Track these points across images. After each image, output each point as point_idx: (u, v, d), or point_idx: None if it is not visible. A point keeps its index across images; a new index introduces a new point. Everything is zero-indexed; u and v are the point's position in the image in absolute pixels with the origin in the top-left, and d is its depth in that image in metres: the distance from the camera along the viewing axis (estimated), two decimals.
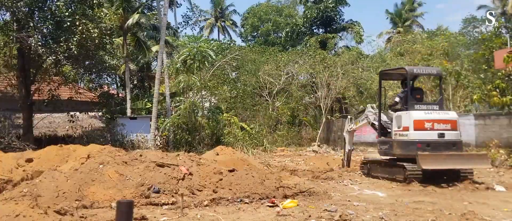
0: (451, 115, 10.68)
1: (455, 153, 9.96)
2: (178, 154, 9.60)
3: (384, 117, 11.49)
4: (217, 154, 11.31)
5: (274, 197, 7.70)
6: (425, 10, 69.33)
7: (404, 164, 9.92)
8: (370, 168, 11.56)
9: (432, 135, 9.99)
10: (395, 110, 10.97)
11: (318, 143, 23.48)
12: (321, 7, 36.03)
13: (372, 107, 12.07)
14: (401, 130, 10.32)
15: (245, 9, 76.18)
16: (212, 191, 7.93)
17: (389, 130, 11.08)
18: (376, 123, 11.53)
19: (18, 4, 15.66)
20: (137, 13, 25.77)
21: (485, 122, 17.74)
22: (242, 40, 48.17)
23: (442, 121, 10.16)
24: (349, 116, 14.01)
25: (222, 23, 50.42)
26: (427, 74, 12.96)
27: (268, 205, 7.27)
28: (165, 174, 8.13)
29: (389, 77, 13.65)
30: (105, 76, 27.31)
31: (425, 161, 9.57)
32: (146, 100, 27.57)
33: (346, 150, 13.12)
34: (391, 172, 10.57)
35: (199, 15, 47.63)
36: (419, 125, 10.00)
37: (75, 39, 16.50)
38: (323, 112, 24.71)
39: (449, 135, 10.13)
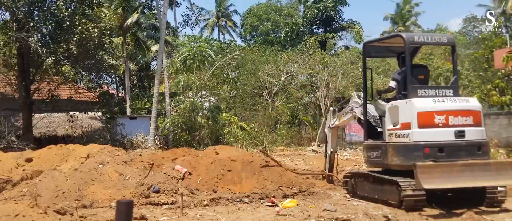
0: (472, 103, 7.20)
1: (477, 161, 6.60)
2: None
3: (371, 110, 8.18)
4: (217, 154, 11.29)
5: (273, 196, 7.71)
6: (423, 9, 69.50)
7: (398, 180, 6.67)
8: (355, 185, 8.10)
9: (447, 135, 6.72)
10: (388, 100, 7.83)
11: (318, 142, 23.43)
12: (321, 7, 36.08)
13: (359, 96, 8.67)
14: (398, 128, 6.98)
15: (244, 9, 76.29)
16: (212, 190, 7.93)
17: (379, 129, 7.82)
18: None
19: (18, 4, 15.65)
20: (136, 13, 25.75)
21: (484, 122, 17.69)
22: (241, 40, 48.18)
23: (461, 113, 6.85)
24: (332, 108, 10.05)
25: (224, 23, 50.32)
26: (433, 43, 8.59)
27: (267, 205, 7.28)
28: (164, 173, 8.14)
29: (378, 51, 9.45)
30: (105, 75, 27.29)
31: (428, 176, 6.25)
32: (145, 99, 27.56)
33: (328, 153, 9.68)
34: (382, 191, 7.24)
35: (199, 15, 47.53)
36: (426, 120, 6.70)
37: (74, 39, 16.51)
38: (323, 111, 24.68)
39: (472, 134, 6.85)
